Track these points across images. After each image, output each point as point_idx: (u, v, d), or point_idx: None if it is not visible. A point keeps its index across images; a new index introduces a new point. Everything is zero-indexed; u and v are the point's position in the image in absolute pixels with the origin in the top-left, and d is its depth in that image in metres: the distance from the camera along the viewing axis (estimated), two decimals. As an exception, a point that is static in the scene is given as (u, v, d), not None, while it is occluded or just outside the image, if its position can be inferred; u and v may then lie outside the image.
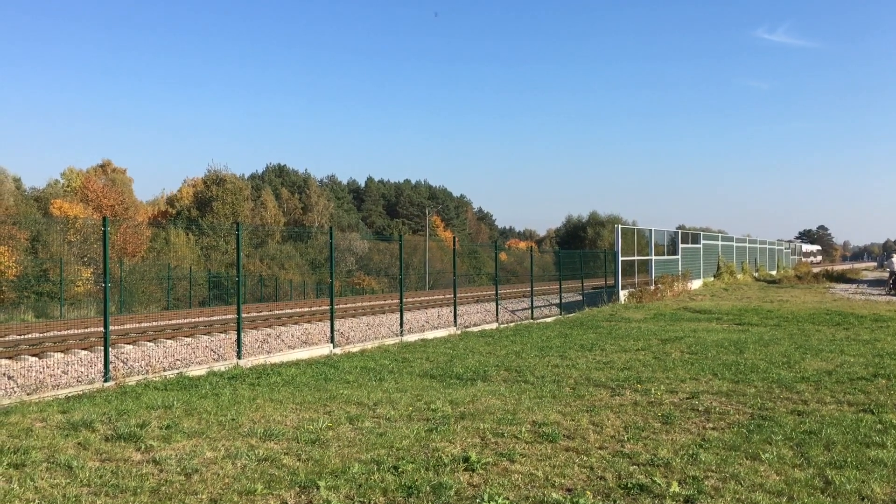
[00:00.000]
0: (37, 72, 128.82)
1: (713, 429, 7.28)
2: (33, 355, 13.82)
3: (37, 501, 5.15)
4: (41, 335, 16.94)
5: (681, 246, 35.90)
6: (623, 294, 28.42)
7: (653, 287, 30.09)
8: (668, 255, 35.01)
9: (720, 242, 44.01)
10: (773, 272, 53.92)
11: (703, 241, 39.77)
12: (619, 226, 32.37)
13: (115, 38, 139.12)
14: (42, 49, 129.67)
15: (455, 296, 22.03)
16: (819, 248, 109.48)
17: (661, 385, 9.73)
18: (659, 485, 5.45)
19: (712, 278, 40.14)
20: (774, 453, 6.31)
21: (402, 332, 18.84)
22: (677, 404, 8.50)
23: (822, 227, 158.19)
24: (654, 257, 32.63)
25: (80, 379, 12.77)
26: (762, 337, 15.50)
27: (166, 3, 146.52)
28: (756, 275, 47.97)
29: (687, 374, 10.72)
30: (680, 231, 37.04)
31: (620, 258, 29.40)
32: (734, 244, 46.88)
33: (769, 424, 7.38)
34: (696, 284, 35.80)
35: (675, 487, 5.39)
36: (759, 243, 54.63)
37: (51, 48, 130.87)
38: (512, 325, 21.47)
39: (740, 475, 5.72)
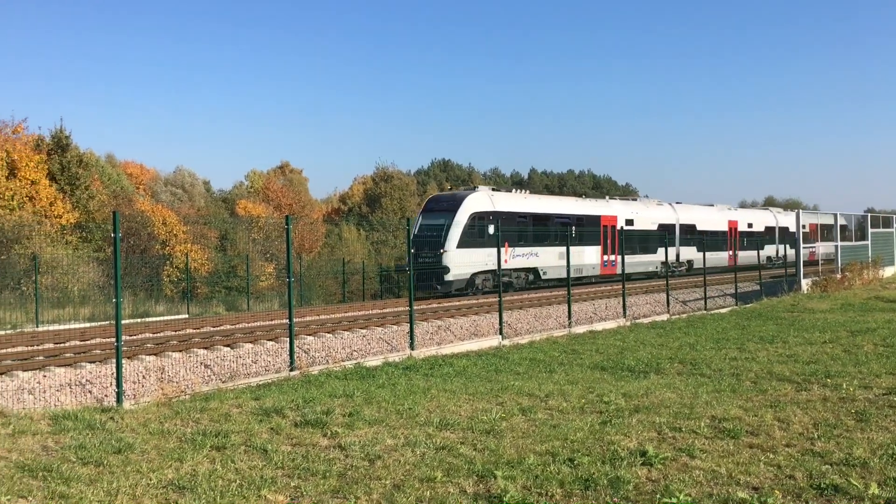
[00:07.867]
0: (224, 82, 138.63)
1: (916, 428, 6.73)
2: (226, 346, 14.90)
3: (238, 482, 5.57)
4: (232, 327, 18.25)
5: (870, 230, 33.31)
6: (805, 283, 26.74)
7: (839, 275, 28.09)
8: (856, 240, 32.59)
9: (917, 225, 40.41)
10: (981, 257, 48.86)
11: (896, 225, 36.70)
12: (800, 210, 30.51)
13: (290, 51, 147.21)
14: (229, 62, 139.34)
15: (623, 286, 21.64)
16: None
17: (853, 380, 9.09)
18: (856, 486, 5.11)
19: (908, 265, 36.94)
20: None
21: (570, 323, 18.74)
22: (872, 401, 7.91)
23: None
24: (839, 243, 30.48)
25: (268, 368, 13.65)
26: (970, 328, 14.12)
27: (336, 17, 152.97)
28: (960, 260, 43.64)
29: (882, 368, 9.97)
30: (869, 214, 34.36)
31: (802, 245, 27.68)
32: (933, 227, 42.88)
33: (983, 425, 6.73)
34: (889, 272, 33.08)
35: (874, 489, 5.04)
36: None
37: (239, 61, 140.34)
38: (684, 316, 20.78)
39: (950, 479, 5.26)
